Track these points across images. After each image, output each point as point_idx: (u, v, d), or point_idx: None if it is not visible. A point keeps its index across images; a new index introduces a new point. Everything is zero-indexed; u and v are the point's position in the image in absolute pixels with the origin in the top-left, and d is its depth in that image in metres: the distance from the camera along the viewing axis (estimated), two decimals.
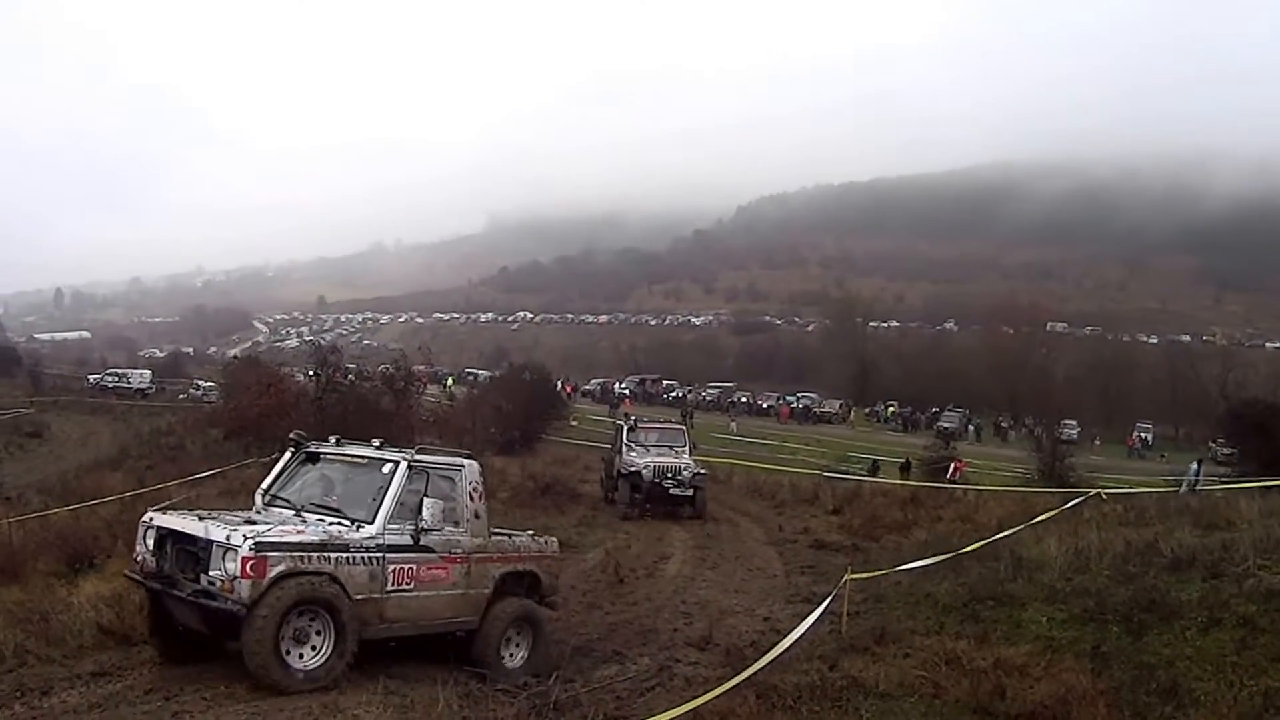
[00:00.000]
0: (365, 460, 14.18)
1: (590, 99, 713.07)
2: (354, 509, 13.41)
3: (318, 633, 12.17)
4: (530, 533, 16.07)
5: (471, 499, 14.32)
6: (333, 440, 14.98)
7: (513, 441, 46.20)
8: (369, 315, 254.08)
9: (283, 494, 14.34)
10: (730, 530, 28.68)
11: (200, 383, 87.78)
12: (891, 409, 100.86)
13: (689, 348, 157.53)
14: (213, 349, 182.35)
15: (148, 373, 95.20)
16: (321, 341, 76.50)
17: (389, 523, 13.12)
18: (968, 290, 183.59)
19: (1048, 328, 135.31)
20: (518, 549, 15.12)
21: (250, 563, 11.70)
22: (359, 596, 12.52)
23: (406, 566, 13.19)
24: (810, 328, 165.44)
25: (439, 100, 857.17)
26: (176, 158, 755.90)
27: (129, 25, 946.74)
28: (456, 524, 14.03)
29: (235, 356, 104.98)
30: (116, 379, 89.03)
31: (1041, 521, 20.56)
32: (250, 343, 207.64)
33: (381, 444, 14.32)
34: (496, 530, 15.44)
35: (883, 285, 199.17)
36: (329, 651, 12.16)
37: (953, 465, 44.89)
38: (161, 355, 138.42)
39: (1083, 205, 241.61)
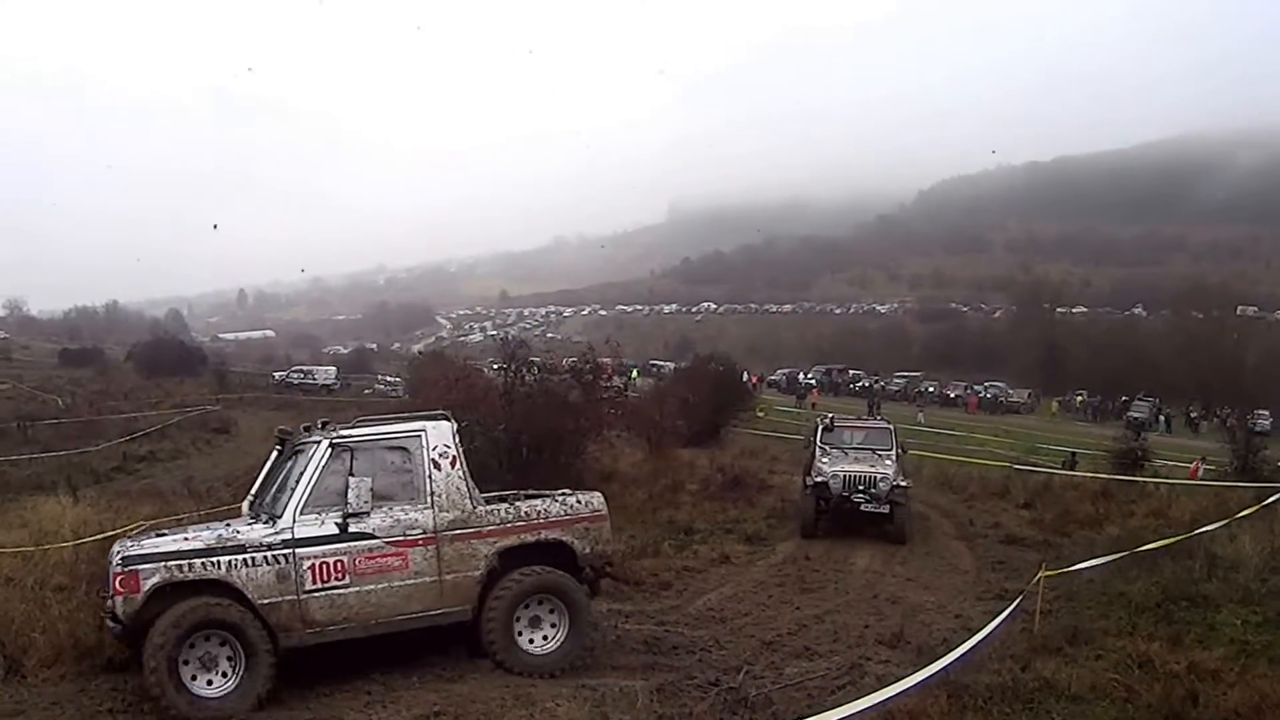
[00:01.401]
0: (304, 446, 13.16)
1: (765, 65, 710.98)
2: (279, 503, 12.59)
3: (229, 659, 11.50)
4: (564, 492, 14.39)
5: (437, 467, 12.88)
6: (303, 429, 14.05)
7: (700, 433, 46.27)
8: (552, 309, 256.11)
9: (263, 496, 13.62)
10: (920, 524, 27.69)
11: (386, 378, 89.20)
12: (1080, 398, 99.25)
13: (874, 336, 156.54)
14: (397, 345, 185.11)
15: (333, 369, 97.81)
16: (507, 335, 77.40)
17: (305, 511, 12.17)
18: (1157, 272, 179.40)
19: (1238, 311, 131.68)
20: (525, 517, 13.37)
21: (120, 578, 11.35)
22: (265, 601, 11.68)
23: (333, 559, 12.07)
24: (997, 314, 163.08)
25: (616, 87, 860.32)
26: (355, 158, 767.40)
27: (307, 29, 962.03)
28: (413, 500, 12.71)
29: (420, 352, 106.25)
30: (302, 375, 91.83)
31: (1238, 520, 20.29)
32: (434, 338, 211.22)
33: (325, 423, 13.57)
34: (506, 495, 14.53)
35: (1069, 269, 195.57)
36: (241, 672, 11.46)
37: (1193, 464, 44.05)
38: (345, 352, 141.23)
39: (1270, 179, 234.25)
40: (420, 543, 12.52)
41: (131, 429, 54.72)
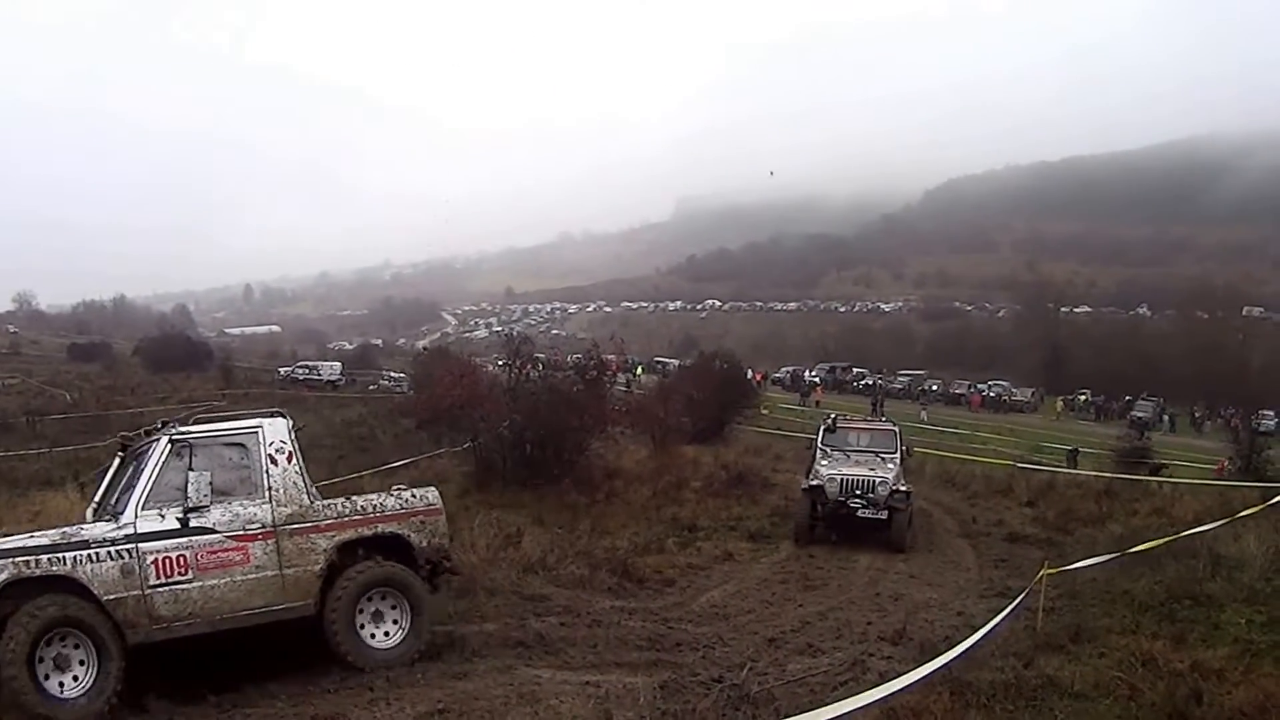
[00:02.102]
0: (144, 447, 13.01)
1: (774, 66, 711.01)
2: (122, 501, 12.50)
3: (80, 662, 11.36)
4: (399, 487, 14.34)
5: (274, 462, 12.90)
6: (143, 433, 13.81)
7: (704, 430, 46.31)
8: (557, 305, 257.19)
9: (106, 502, 13.35)
10: (923, 521, 27.68)
11: (391, 373, 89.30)
12: (1084, 397, 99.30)
13: (879, 335, 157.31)
14: (402, 340, 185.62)
15: (338, 364, 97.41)
16: (512, 331, 77.53)
17: (147, 507, 12.07)
18: (1163, 273, 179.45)
19: (1243, 312, 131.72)
20: (361, 511, 13.41)
21: None
22: (111, 597, 11.55)
23: (176, 554, 11.96)
24: (1001, 313, 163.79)
25: (625, 83, 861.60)
26: (362, 154, 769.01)
27: (317, 24, 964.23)
28: (251, 495, 12.68)
29: (425, 348, 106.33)
30: (307, 371, 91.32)
31: (1242, 519, 20.31)
32: (439, 334, 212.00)
33: (165, 423, 13.28)
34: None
35: (1075, 269, 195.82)
36: (94, 671, 11.34)
37: (1220, 463, 44.13)
38: (351, 347, 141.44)
39: None
40: (260, 537, 12.53)
41: (138, 424, 54.80)
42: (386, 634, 13.15)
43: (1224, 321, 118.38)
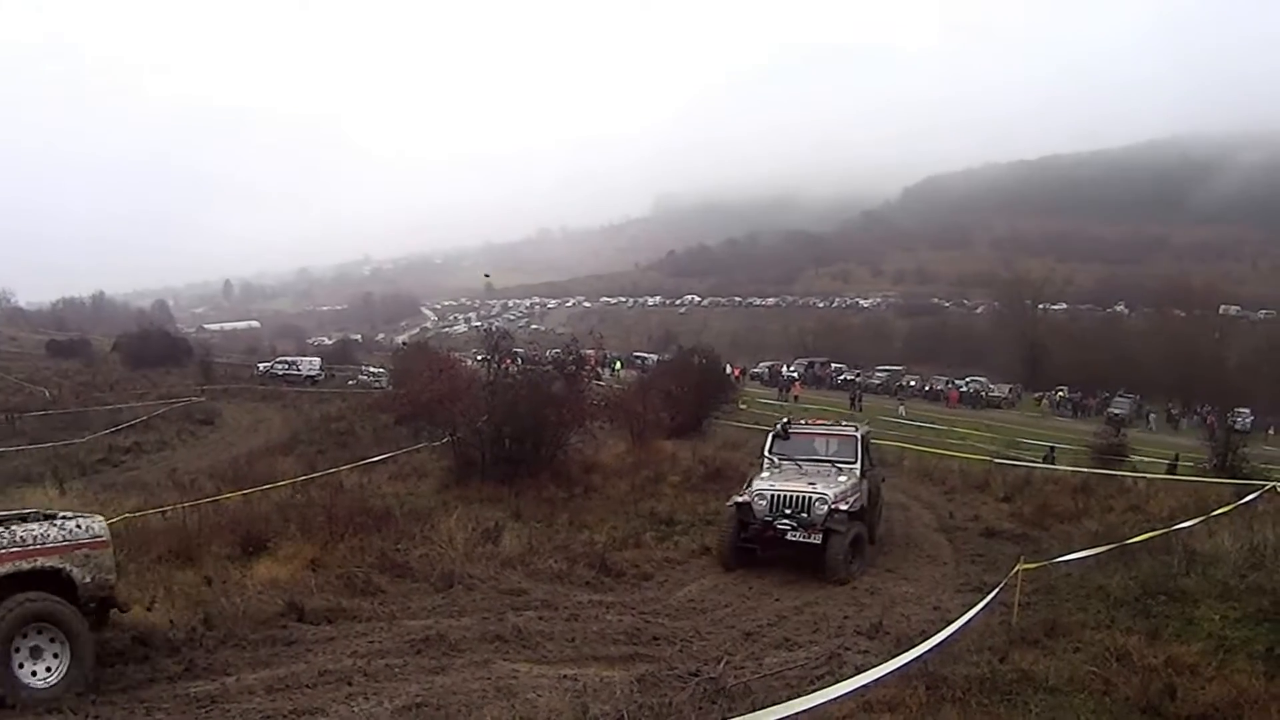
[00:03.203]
0: None
1: (757, 82, 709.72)
2: None
3: None
4: (65, 515, 13.00)
5: None
6: None
7: (682, 425, 46.25)
8: (536, 300, 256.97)
9: None
10: (901, 515, 27.87)
11: (370, 369, 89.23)
12: (1061, 394, 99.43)
13: (857, 330, 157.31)
14: (381, 336, 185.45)
15: (317, 360, 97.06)
16: (491, 326, 77.61)
17: None
18: (1141, 271, 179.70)
19: (1220, 311, 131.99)
20: (20, 543, 11.85)
21: None
22: None
23: None
24: (979, 310, 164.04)
25: (610, 87, 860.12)
26: (344, 151, 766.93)
27: (308, 25, 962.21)
28: None
29: (404, 343, 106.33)
30: (286, 366, 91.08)
31: (1217, 516, 20.40)
32: (418, 329, 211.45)
33: None
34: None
35: (1053, 266, 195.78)
36: None
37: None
38: (330, 343, 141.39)
39: (1268, 180, 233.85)
40: None
41: (117, 420, 54.86)
42: (48, 669, 11.74)
43: (1201, 320, 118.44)
